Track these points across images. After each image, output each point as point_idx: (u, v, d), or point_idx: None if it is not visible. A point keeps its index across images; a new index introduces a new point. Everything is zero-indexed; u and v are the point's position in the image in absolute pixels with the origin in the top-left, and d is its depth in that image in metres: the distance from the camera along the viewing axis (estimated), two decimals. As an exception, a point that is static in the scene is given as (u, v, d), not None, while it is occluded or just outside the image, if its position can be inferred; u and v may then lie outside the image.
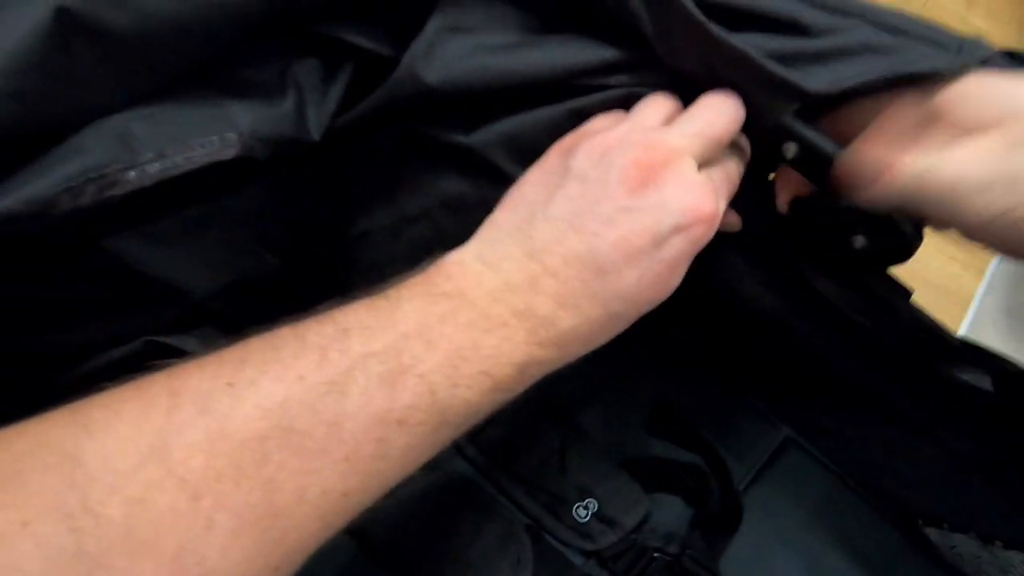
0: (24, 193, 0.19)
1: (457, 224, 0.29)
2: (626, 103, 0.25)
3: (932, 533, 0.38)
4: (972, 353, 0.26)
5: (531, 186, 0.23)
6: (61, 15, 0.19)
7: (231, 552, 0.16)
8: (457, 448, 0.37)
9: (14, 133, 0.19)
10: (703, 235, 0.22)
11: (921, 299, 0.26)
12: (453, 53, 0.25)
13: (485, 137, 0.26)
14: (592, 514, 0.37)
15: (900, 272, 0.26)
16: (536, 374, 0.21)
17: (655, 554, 0.38)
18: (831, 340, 0.29)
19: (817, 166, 0.23)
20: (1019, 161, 0.19)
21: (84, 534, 0.14)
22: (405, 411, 0.18)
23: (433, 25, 0.25)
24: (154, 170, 0.23)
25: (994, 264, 0.96)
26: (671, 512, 0.40)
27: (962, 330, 0.93)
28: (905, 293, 0.26)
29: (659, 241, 0.21)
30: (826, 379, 0.34)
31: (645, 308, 0.22)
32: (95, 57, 0.20)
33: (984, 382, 0.25)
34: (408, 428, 0.18)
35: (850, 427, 0.37)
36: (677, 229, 0.21)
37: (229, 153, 0.25)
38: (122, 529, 0.15)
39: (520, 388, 0.21)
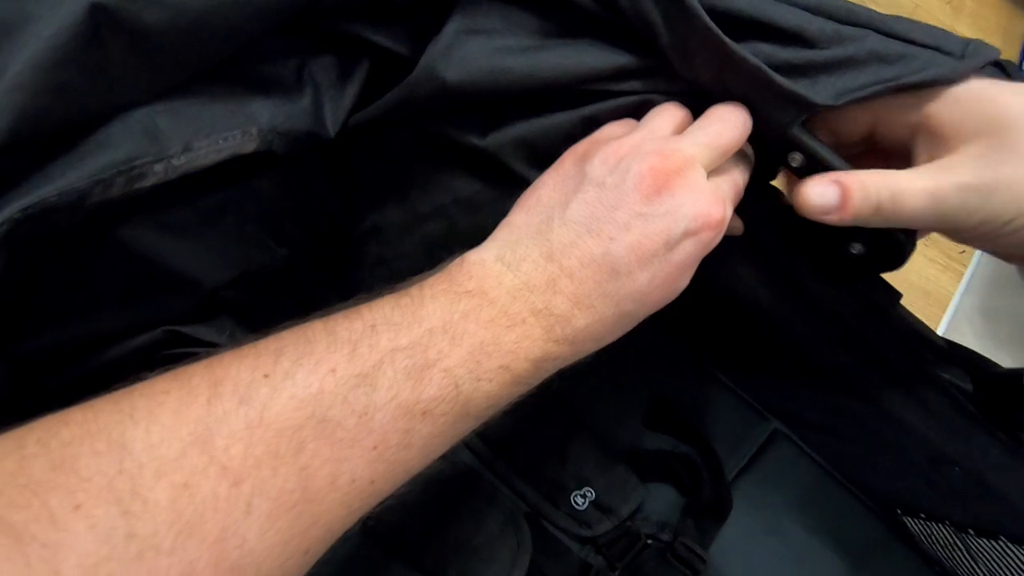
0: (58, 185, 0.20)
1: (470, 221, 0.30)
2: (638, 111, 0.26)
3: (910, 522, 0.40)
4: (957, 354, 0.28)
5: (547, 190, 0.23)
6: (95, 11, 0.20)
7: (268, 535, 0.17)
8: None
9: (49, 126, 0.20)
10: (712, 240, 0.23)
11: (902, 300, 0.27)
12: (472, 53, 0.26)
13: (500, 139, 0.27)
14: (590, 502, 0.38)
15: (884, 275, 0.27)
16: (550, 369, 0.22)
17: (648, 541, 0.39)
18: (824, 340, 0.30)
19: None
20: (992, 174, 0.21)
21: (134, 517, 0.15)
22: (430, 403, 0.19)
23: (452, 26, 0.26)
24: (179, 163, 0.23)
25: (972, 266, 0.99)
26: (665, 501, 0.41)
27: (940, 330, 0.96)
28: (895, 297, 0.27)
29: (671, 245, 0.22)
30: (817, 375, 0.36)
31: (655, 307, 0.23)
32: (127, 52, 0.21)
33: (965, 381, 0.27)
34: (432, 419, 0.19)
35: (837, 422, 0.39)
36: (688, 234, 0.22)
37: (249, 147, 0.26)
38: (169, 513, 0.15)
39: (536, 382, 0.22)
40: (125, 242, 0.26)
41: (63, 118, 0.20)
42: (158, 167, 0.22)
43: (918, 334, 0.28)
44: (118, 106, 0.22)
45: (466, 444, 0.38)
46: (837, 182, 0.23)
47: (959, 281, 0.99)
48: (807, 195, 0.23)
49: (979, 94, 0.22)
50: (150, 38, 0.21)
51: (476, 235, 0.24)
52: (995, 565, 0.33)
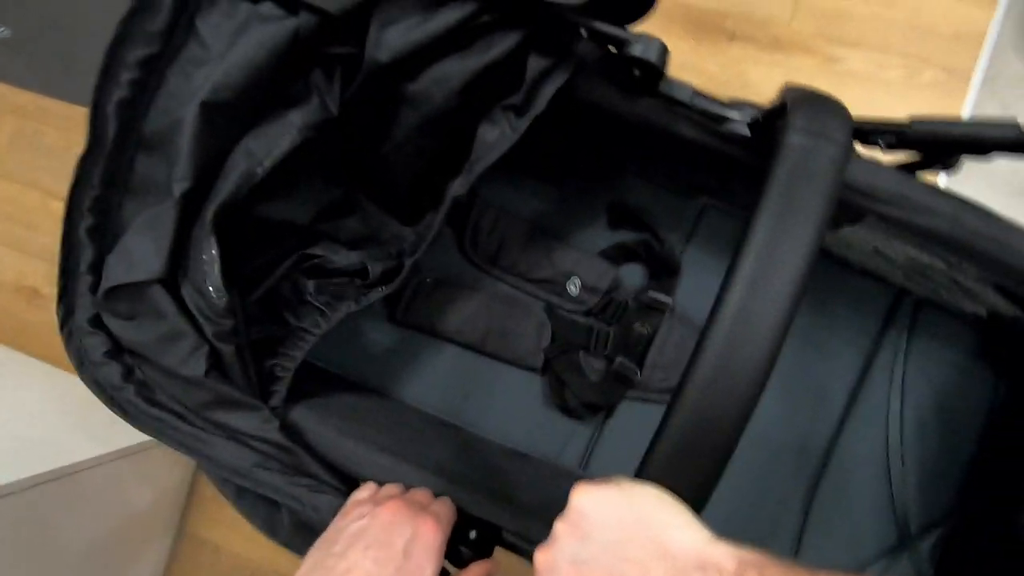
0: (231, 183, 0.42)
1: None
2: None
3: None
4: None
5: None
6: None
7: None
8: (488, 273, 0.59)
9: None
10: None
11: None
12: (391, 36, 0.43)
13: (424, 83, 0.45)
14: (580, 288, 0.58)
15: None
16: None
17: (628, 302, 0.58)
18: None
19: None
20: None
21: None
22: None
23: (373, 25, 0.44)
24: (268, 163, 0.45)
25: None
26: (635, 278, 0.59)
27: (981, 66, 0.95)
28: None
29: None
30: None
31: None
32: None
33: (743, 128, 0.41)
34: None
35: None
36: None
37: (298, 140, 0.47)
38: None
39: None
40: (259, 213, 0.49)
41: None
42: (259, 169, 0.44)
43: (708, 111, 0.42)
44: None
45: (492, 276, 0.59)
46: None
47: (994, 9, 0.96)
48: None
49: None
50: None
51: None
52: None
